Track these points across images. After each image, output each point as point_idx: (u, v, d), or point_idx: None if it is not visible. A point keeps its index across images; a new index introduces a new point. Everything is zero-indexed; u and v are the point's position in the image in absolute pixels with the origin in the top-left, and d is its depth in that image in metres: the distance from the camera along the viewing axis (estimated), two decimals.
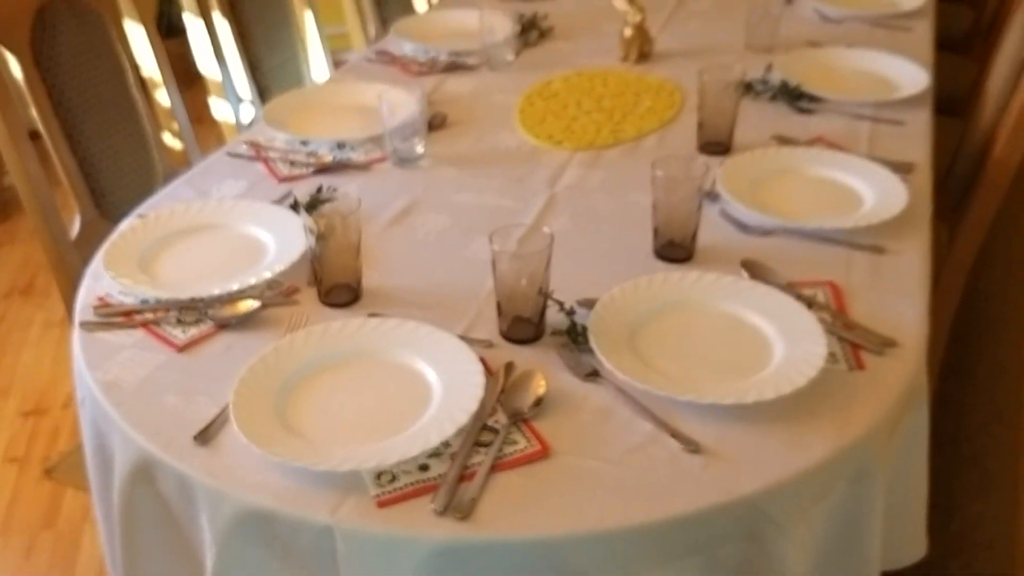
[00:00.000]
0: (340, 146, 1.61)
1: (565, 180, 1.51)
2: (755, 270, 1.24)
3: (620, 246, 1.32)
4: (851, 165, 1.47)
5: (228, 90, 2.09)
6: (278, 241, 1.33)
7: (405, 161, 1.55)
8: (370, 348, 1.11)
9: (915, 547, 1.15)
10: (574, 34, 2.11)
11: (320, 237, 1.18)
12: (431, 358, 1.09)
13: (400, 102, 1.54)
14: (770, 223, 1.33)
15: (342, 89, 1.84)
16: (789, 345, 1.09)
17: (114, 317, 1.18)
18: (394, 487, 0.93)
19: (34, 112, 1.61)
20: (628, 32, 1.92)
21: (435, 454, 0.96)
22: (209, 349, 1.14)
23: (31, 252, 2.93)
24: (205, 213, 1.40)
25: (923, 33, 2.07)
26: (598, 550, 0.90)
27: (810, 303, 1.17)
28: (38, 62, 1.62)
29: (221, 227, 1.38)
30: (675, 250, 1.27)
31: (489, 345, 1.12)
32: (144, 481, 1.01)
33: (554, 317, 1.14)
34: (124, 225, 1.38)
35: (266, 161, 1.58)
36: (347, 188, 1.45)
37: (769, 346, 1.10)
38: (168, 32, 2.72)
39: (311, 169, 1.55)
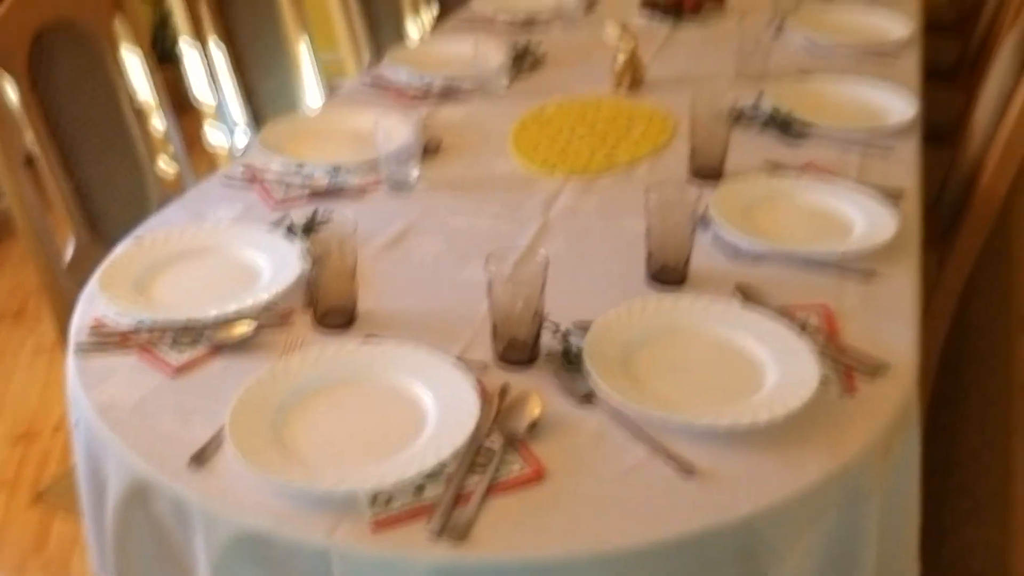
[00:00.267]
0: (335, 170, 1.62)
1: (559, 205, 1.52)
2: (748, 294, 1.25)
3: (614, 270, 1.33)
4: (841, 191, 1.49)
5: (222, 116, 2.10)
6: (273, 264, 1.33)
7: (400, 186, 1.57)
8: (365, 370, 1.11)
9: (907, 572, 1.15)
10: (567, 62, 2.13)
11: (316, 260, 1.19)
12: (427, 381, 1.09)
13: (395, 127, 1.55)
14: (762, 248, 1.35)
15: (337, 114, 1.86)
16: (782, 368, 1.10)
17: (109, 339, 1.18)
18: (390, 509, 0.93)
19: (30, 136, 1.62)
20: (621, 60, 1.94)
21: (431, 476, 0.96)
22: (204, 371, 1.14)
23: (22, 277, 2.92)
24: (201, 236, 1.41)
25: (911, 63, 2.09)
26: (594, 573, 0.90)
27: (802, 327, 1.18)
28: (35, 87, 1.63)
29: (216, 250, 1.38)
30: (669, 274, 1.28)
31: (484, 368, 1.12)
32: (138, 504, 1.01)
33: (549, 340, 1.15)
34: (120, 248, 1.38)
35: (261, 185, 1.59)
36: (343, 212, 1.45)
37: (762, 369, 1.11)
38: (161, 59, 2.73)
39: (306, 193, 1.55)
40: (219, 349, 1.17)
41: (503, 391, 1.08)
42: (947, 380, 1.94)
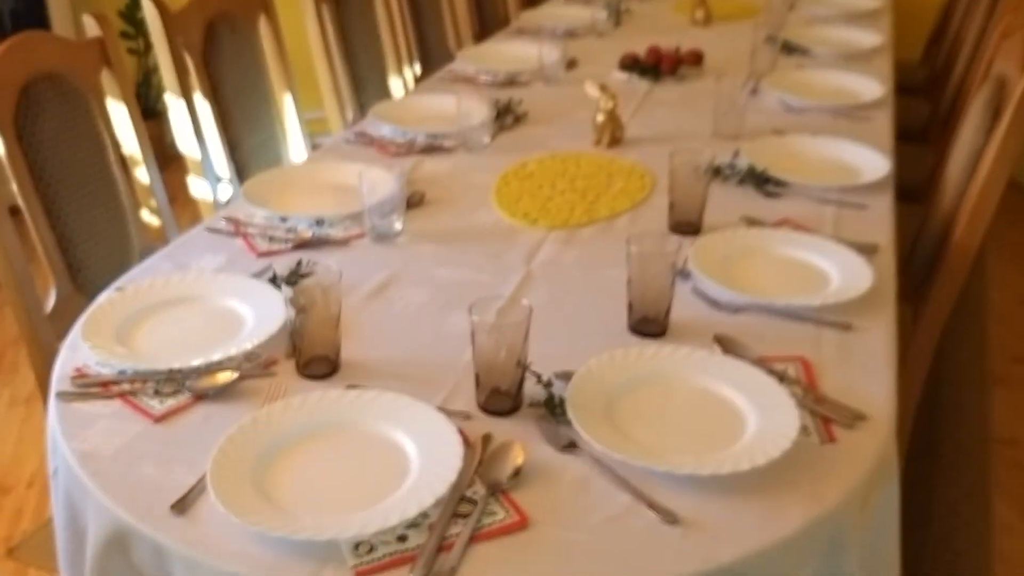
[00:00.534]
0: (319, 222, 1.63)
1: (541, 257, 1.54)
2: (727, 345, 1.27)
3: (595, 321, 1.34)
4: (817, 246, 1.52)
5: (206, 169, 2.12)
6: (256, 314, 1.34)
7: (383, 237, 1.58)
8: (348, 419, 1.11)
9: None
10: (548, 119, 2.17)
11: (300, 310, 1.19)
12: (409, 429, 1.09)
13: (379, 180, 1.57)
14: (741, 300, 1.37)
15: (321, 168, 1.88)
16: (762, 418, 1.11)
17: (91, 387, 1.18)
18: (372, 558, 0.93)
19: (15, 187, 1.62)
20: (600, 118, 1.98)
21: (413, 525, 0.96)
22: (186, 420, 1.14)
23: None
24: (183, 286, 1.41)
25: (883, 123, 2.15)
26: None
27: (781, 377, 1.19)
28: (21, 138, 1.64)
29: (199, 300, 1.39)
30: (649, 325, 1.30)
31: (467, 417, 1.13)
32: (119, 552, 1.00)
33: (532, 389, 1.15)
34: (103, 297, 1.38)
35: (245, 236, 1.60)
36: (327, 262, 1.47)
37: (743, 419, 1.12)
38: (145, 113, 2.75)
39: (290, 244, 1.57)
40: (201, 398, 1.17)
41: (486, 440, 1.08)
42: (923, 433, 1.96)
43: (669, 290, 1.29)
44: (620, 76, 2.45)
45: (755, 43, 2.45)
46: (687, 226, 1.59)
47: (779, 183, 1.77)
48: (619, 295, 1.32)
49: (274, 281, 1.42)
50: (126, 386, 1.18)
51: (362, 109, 2.59)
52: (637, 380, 1.18)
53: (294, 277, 1.42)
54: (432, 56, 3.11)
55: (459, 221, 1.67)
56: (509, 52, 2.65)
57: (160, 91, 2.15)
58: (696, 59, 2.50)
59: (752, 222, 1.63)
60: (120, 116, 1.88)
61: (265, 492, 1.00)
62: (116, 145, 1.86)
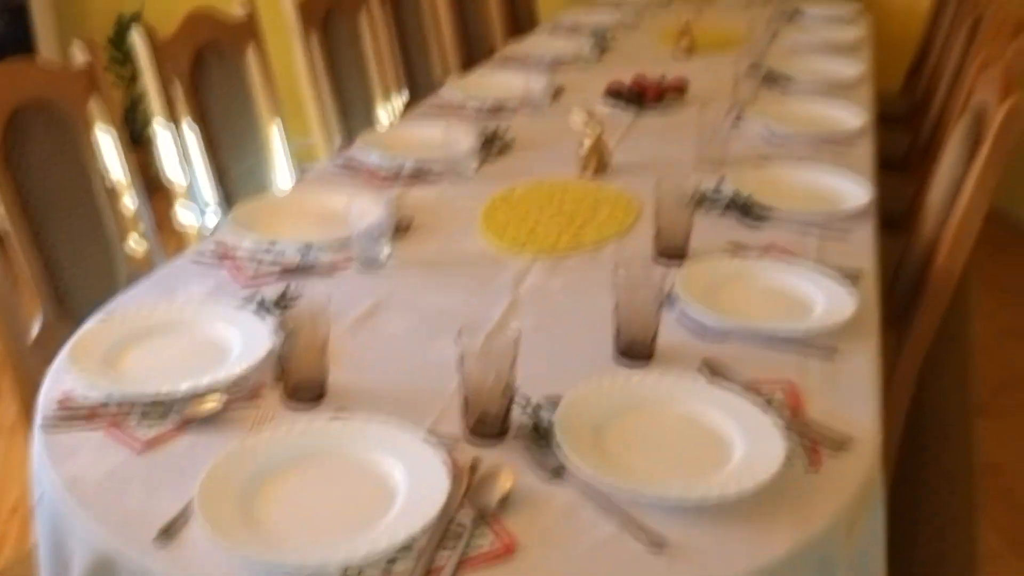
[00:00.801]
0: (306, 248, 1.63)
1: (528, 283, 1.54)
2: (714, 369, 1.27)
3: (583, 347, 1.35)
4: (802, 272, 1.53)
5: (193, 196, 2.12)
6: (243, 340, 1.33)
7: (371, 264, 1.58)
8: (335, 445, 1.11)
9: None
10: (535, 147, 2.19)
11: (289, 335, 1.20)
12: (397, 455, 1.09)
13: (366, 206, 1.58)
14: (727, 326, 1.38)
15: (308, 194, 1.88)
16: (749, 442, 1.11)
17: (77, 413, 1.17)
18: None
19: (1, 213, 1.62)
20: (586, 145, 2.00)
21: (401, 551, 0.96)
22: (173, 446, 1.13)
23: None
24: (170, 312, 1.41)
25: (864, 151, 2.17)
26: None
27: (768, 402, 1.20)
28: (7, 164, 1.65)
29: (186, 326, 1.38)
30: (637, 351, 1.31)
31: (455, 442, 1.13)
32: None
33: (519, 415, 1.16)
34: (90, 322, 1.38)
35: (232, 263, 1.60)
36: (314, 288, 1.47)
37: (730, 444, 1.13)
38: (133, 140, 2.76)
39: (277, 271, 1.57)
40: (188, 424, 1.16)
41: (474, 465, 1.08)
42: (909, 460, 1.96)
43: (656, 316, 1.29)
44: (605, 105, 2.47)
45: (738, 73, 2.49)
46: (673, 252, 1.60)
47: (763, 210, 1.78)
48: (606, 321, 1.33)
49: (262, 308, 1.42)
50: (112, 411, 1.18)
51: (350, 136, 2.60)
52: (625, 406, 1.18)
53: (282, 303, 1.42)
54: (419, 84, 3.14)
55: (446, 248, 1.68)
56: (496, 81, 2.67)
57: (148, 118, 2.15)
58: (680, 88, 2.53)
59: (737, 248, 1.64)
60: (107, 143, 1.89)
61: (252, 519, 1.00)
62: (103, 172, 1.87)
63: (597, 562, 0.96)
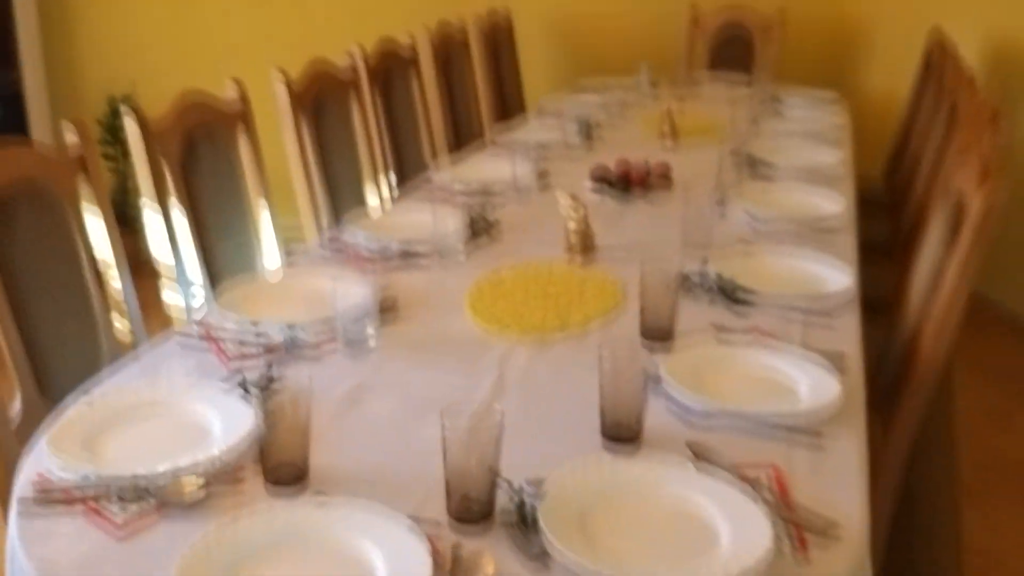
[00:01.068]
0: (291, 329, 1.63)
1: (513, 363, 1.54)
2: (700, 452, 1.26)
3: (568, 428, 1.34)
4: (787, 355, 1.53)
5: (179, 276, 2.12)
6: (225, 421, 1.32)
7: (355, 345, 1.58)
8: (316, 529, 1.09)
9: None
10: (521, 230, 2.21)
11: (270, 417, 1.18)
12: (377, 539, 1.07)
13: (352, 287, 1.58)
14: (712, 408, 1.37)
15: (294, 276, 1.89)
16: (735, 527, 1.10)
17: (53, 495, 1.15)
18: None
19: None
20: (572, 229, 2.02)
21: None
22: (150, 529, 1.11)
23: None
24: (151, 394, 1.40)
25: (847, 237, 2.20)
26: None
27: (754, 486, 1.19)
28: None
29: (168, 407, 1.37)
30: (622, 432, 1.30)
31: (437, 526, 1.11)
32: None
33: (503, 497, 1.14)
34: (70, 403, 1.37)
35: (216, 343, 1.59)
36: (297, 369, 1.46)
37: (716, 528, 1.11)
38: (120, 222, 2.77)
39: (261, 351, 1.56)
40: (166, 506, 1.14)
41: (456, 550, 1.06)
42: (897, 549, 1.94)
43: (641, 397, 1.29)
44: (591, 188, 2.50)
45: (721, 159, 2.53)
46: (658, 334, 1.61)
47: (747, 293, 1.79)
48: (591, 402, 1.32)
49: (244, 388, 1.41)
50: (89, 493, 1.16)
51: (338, 218, 2.62)
52: (610, 489, 1.17)
53: (264, 384, 1.41)
54: (408, 167, 3.18)
55: (432, 329, 1.68)
56: (483, 165, 2.71)
57: (137, 199, 2.16)
58: (665, 173, 2.56)
59: (722, 330, 1.65)
60: (95, 223, 1.89)
61: None
62: (90, 252, 1.87)
63: None
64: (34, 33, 4.07)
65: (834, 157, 2.85)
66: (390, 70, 3.18)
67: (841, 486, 1.21)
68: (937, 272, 1.84)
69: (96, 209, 1.89)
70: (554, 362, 1.56)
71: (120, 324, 1.94)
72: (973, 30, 3.87)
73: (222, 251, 2.24)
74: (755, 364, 1.52)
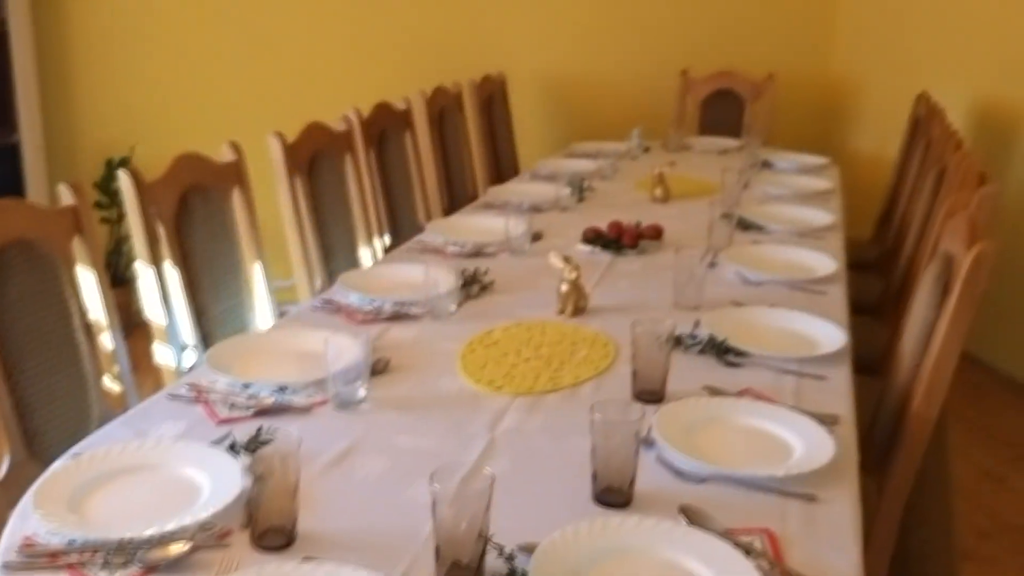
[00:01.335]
0: (281, 389, 1.62)
1: (505, 424, 1.53)
2: (692, 516, 1.25)
3: (559, 490, 1.33)
4: (779, 416, 1.53)
5: (172, 336, 2.12)
6: (213, 482, 1.31)
7: (346, 404, 1.57)
8: None
9: None
10: (513, 289, 2.22)
11: (258, 478, 1.17)
12: None
13: (344, 346, 1.58)
14: (705, 470, 1.37)
15: (286, 335, 1.89)
16: None
17: (39, 559, 1.14)
18: None
19: None
20: (564, 288, 2.03)
21: None
22: None
23: None
24: (141, 453, 1.39)
25: (837, 297, 2.21)
26: None
27: (747, 551, 1.18)
28: None
29: (156, 468, 1.36)
30: (614, 495, 1.29)
31: None
32: None
33: (493, 563, 1.13)
34: (57, 463, 1.35)
35: (206, 403, 1.59)
36: (287, 429, 1.45)
37: None
38: (113, 282, 2.78)
39: (251, 411, 1.55)
40: (152, 570, 1.13)
41: None
42: None
43: (633, 459, 1.28)
44: (583, 248, 2.52)
45: (712, 219, 2.55)
46: (650, 395, 1.61)
47: (739, 353, 1.80)
48: (583, 464, 1.32)
49: (233, 449, 1.40)
50: (75, 557, 1.14)
51: (331, 278, 2.62)
52: (602, 553, 1.16)
53: (253, 444, 1.40)
54: (402, 227, 3.19)
55: (423, 388, 1.67)
56: (476, 224, 2.72)
57: (131, 259, 2.17)
58: (656, 233, 2.58)
59: (714, 391, 1.65)
60: (88, 283, 1.90)
61: None
62: (82, 311, 1.87)
63: None
64: (33, 95, 4.12)
65: (824, 219, 2.87)
66: (385, 132, 3.22)
67: (835, 549, 1.20)
68: (928, 331, 1.84)
69: (90, 269, 1.90)
70: (546, 423, 1.55)
71: (111, 383, 1.93)
72: (959, 95, 3.94)
73: (215, 310, 2.24)
74: (748, 424, 1.52)
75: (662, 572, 1.14)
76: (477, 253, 2.49)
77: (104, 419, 1.74)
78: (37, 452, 1.67)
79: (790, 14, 4.71)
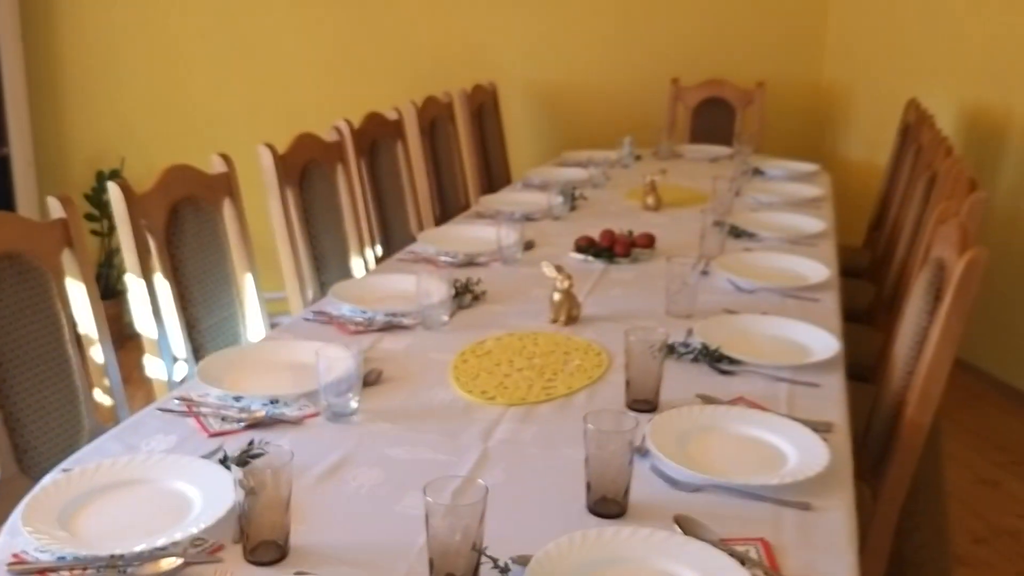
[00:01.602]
0: (273, 402, 1.62)
1: (498, 435, 1.53)
2: (687, 526, 1.25)
3: (553, 501, 1.32)
4: (773, 424, 1.53)
5: (163, 348, 2.11)
6: (205, 497, 1.30)
7: (338, 416, 1.57)
8: None
9: None
10: (506, 298, 2.21)
11: (250, 492, 1.16)
12: None
13: (336, 358, 1.57)
14: (699, 479, 1.36)
15: (278, 346, 1.88)
16: None
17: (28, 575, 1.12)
18: None
19: None
20: (557, 297, 2.02)
21: None
22: None
23: None
24: (131, 468, 1.37)
25: (830, 304, 2.21)
26: None
27: (743, 560, 1.17)
28: None
29: (147, 482, 1.35)
30: (608, 505, 1.28)
31: None
32: None
33: (488, 574, 1.12)
34: (47, 479, 1.34)
35: (197, 416, 1.57)
36: (278, 443, 1.44)
37: None
38: (104, 294, 2.76)
39: (243, 424, 1.54)
40: None
41: None
42: None
43: (627, 468, 1.28)
44: (576, 257, 2.52)
45: (704, 227, 2.55)
46: (644, 403, 1.60)
47: (732, 361, 1.79)
48: (577, 474, 1.31)
49: (224, 462, 1.39)
50: (65, 574, 1.13)
51: (323, 289, 2.62)
52: (597, 564, 1.15)
53: (244, 458, 1.39)
54: (394, 238, 3.19)
55: (416, 399, 1.67)
56: (468, 234, 2.72)
57: (121, 271, 2.17)
58: (648, 242, 2.58)
59: (708, 400, 1.64)
60: (79, 295, 1.89)
61: None
62: (72, 324, 1.86)
63: None
64: (22, 107, 4.11)
65: (816, 226, 2.88)
66: (376, 142, 3.21)
67: (831, 557, 1.20)
68: (921, 338, 1.84)
69: (80, 281, 1.89)
70: (539, 433, 1.54)
71: (102, 397, 1.92)
72: (948, 102, 3.96)
73: (206, 322, 2.23)
74: (742, 433, 1.52)
75: None
76: (469, 263, 2.49)
77: (95, 433, 1.73)
78: (27, 467, 1.65)
79: (780, 22, 4.73)
